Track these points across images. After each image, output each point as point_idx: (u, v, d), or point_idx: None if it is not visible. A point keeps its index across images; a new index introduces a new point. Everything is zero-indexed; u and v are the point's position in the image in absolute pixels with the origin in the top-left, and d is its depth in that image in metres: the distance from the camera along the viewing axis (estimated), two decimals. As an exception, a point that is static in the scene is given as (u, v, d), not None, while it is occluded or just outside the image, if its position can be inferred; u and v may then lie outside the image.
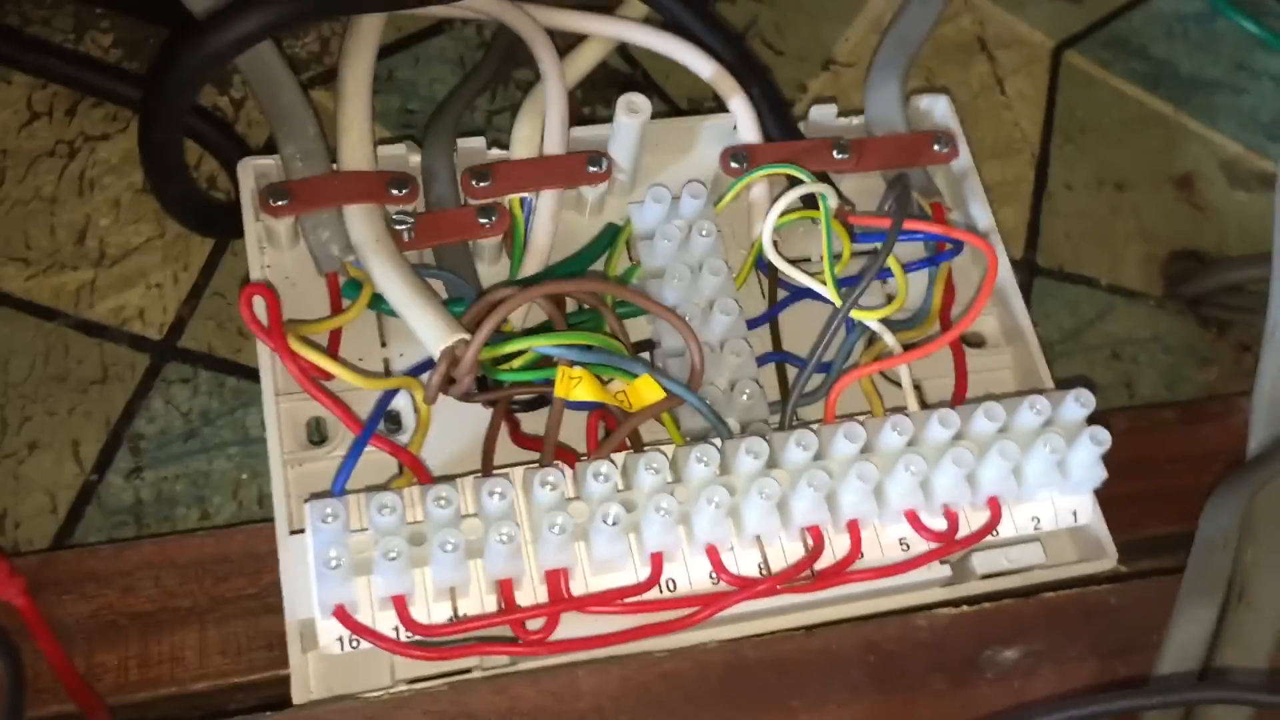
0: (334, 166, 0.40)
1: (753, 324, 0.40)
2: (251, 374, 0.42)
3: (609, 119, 0.41)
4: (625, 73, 0.50)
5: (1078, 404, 0.36)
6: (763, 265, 0.41)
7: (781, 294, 0.41)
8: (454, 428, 0.38)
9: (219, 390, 0.41)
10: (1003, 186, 0.50)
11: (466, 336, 0.36)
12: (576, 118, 0.43)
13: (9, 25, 0.46)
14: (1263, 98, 0.54)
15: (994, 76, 0.53)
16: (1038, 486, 0.36)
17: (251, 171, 0.40)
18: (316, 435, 0.38)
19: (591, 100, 0.49)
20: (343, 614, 0.33)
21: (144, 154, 0.39)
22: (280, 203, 0.38)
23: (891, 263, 0.40)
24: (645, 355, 0.39)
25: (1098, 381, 0.46)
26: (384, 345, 0.40)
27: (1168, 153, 0.52)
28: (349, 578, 0.32)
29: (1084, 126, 0.52)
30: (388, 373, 0.39)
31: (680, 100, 0.50)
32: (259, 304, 0.36)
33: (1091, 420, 0.36)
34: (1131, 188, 0.51)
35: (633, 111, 0.40)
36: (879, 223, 0.40)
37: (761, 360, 0.40)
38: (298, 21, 0.37)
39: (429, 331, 0.36)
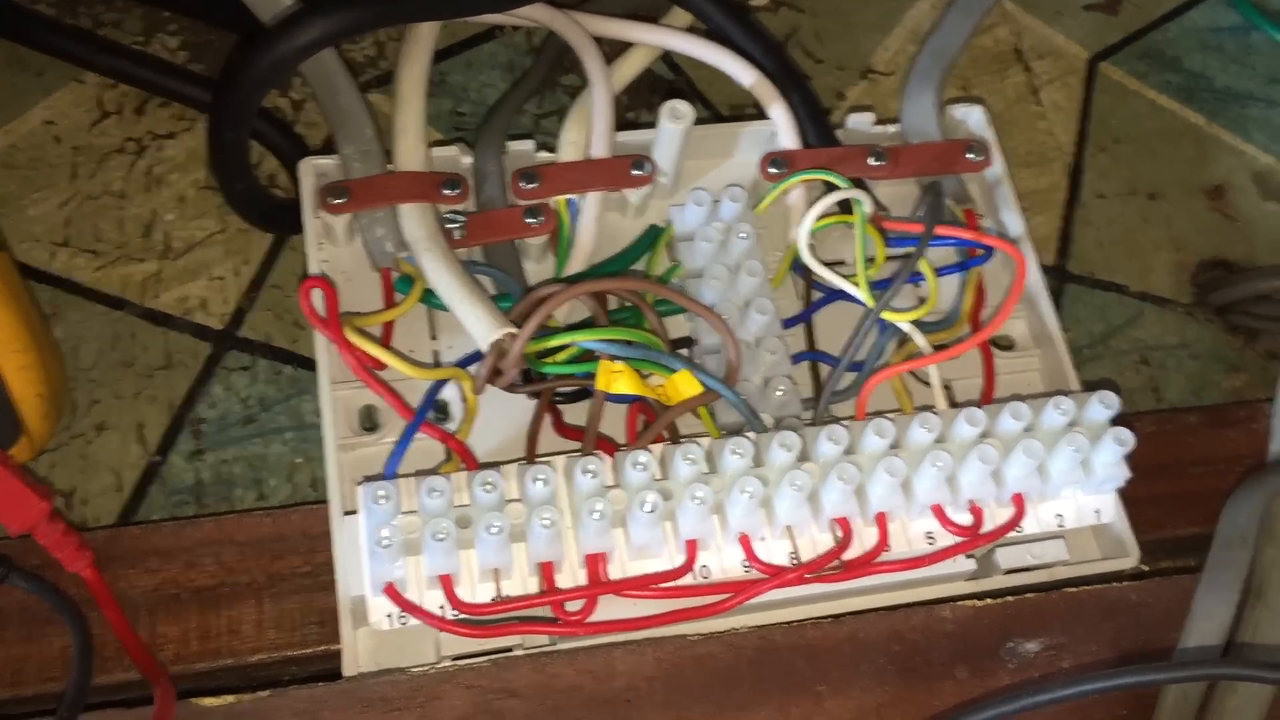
0: (389, 167, 0.42)
1: (788, 323, 0.42)
2: (306, 363, 0.43)
3: (652, 124, 0.43)
4: (668, 79, 0.52)
5: (1102, 405, 0.37)
6: (799, 267, 0.42)
7: (816, 295, 0.43)
8: (499, 417, 0.40)
9: (276, 378, 0.43)
10: (1036, 194, 0.51)
11: (514, 330, 0.37)
12: (622, 123, 0.44)
13: (81, 27, 0.48)
14: (1296, 110, 0.54)
15: (1030, 86, 0.54)
16: (1062, 485, 0.37)
17: (312, 170, 0.41)
18: (368, 422, 0.40)
19: (635, 105, 0.51)
20: (392, 592, 0.34)
21: (213, 153, 0.41)
22: (339, 200, 0.40)
23: (924, 267, 0.41)
24: (684, 351, 0.41)
25: (1126, 386, 0.47)
26: (434, 338, 0.41)
27: (1200, 164, 0.53)
28: (399, 557, 0.34)
29: (1118, 137, 0.53)
30: (437, 364, 0.41)
31: (721, 106, 0.51)
32: (317, 296, 0.38)
33: (1117, 422, 0.37)
34: (1163, 197, 0.52)
35: (676, 118, 0.42)
36: (912, 228, 0.42)
37: (795, 358, 0.41)
38: (360, 29, 0.39)
39: (478, 325, 0.38)
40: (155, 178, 0.46)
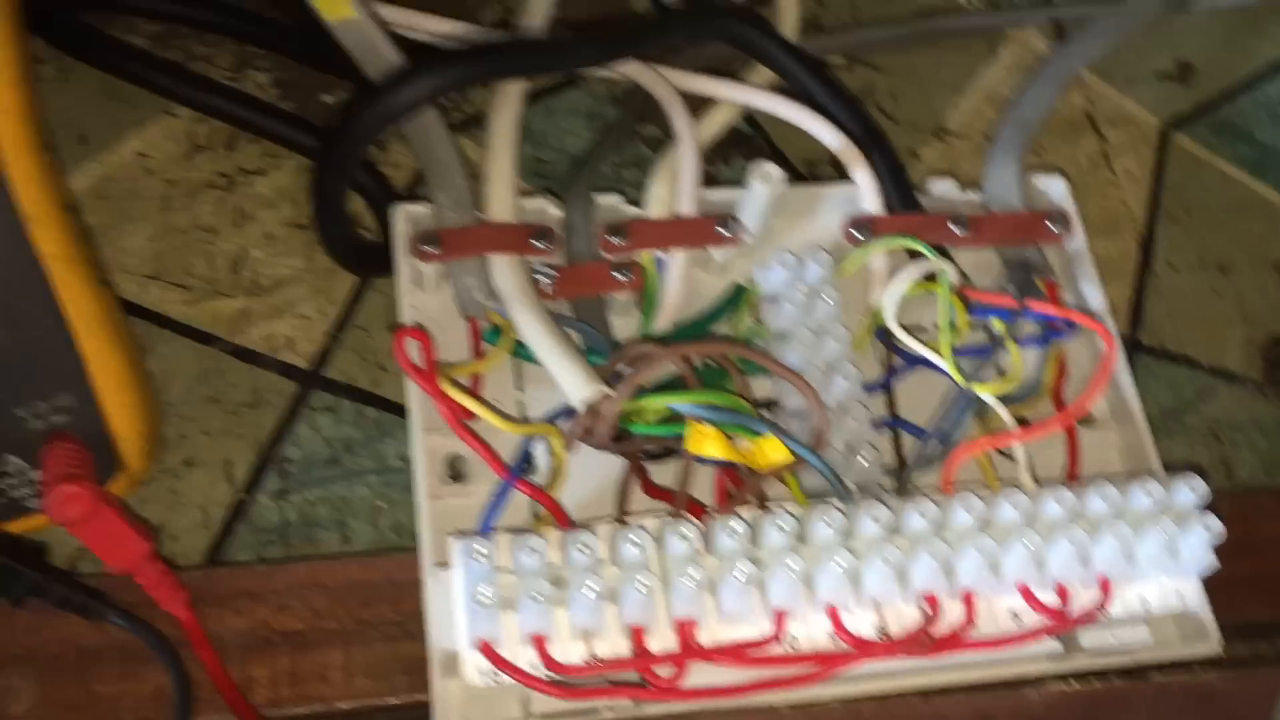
0: (480, 216, 0.42)
1: (870, 389, 0.42)
2: (389, 406, 0.44)
3: (730, 179, 0.43)
4: (745, 133, 0.52)
5: (1190, 492, 0.37)
6: (879, 332, 0.43)
7: (897, 362, 0.43)
8: (583, 471, 0.40)
9: (359, 420, 0.44)
10: (1108, 263, 0.51)
11: (609, 391, 0.38)
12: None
13: (174, 60, 0.49)
14: (1368, 189, 0.55)
15: (1102, 153, 0.55)
16: (1148, 569, 0.38)
17: (405, 217, 0.42)
18: (453, 471, 0.40)
19: (713, 160, 0.51)
20: (487, 648, 0.35)
21: (315, 199, 0.41)
22: (431, 249, 0.41)
23: (1009, 340, 0.42)
24: (765, 414, 0.41)
25: (1196, 462, 0.47)
26: (519, 389, 0.42)
27: (1271, 238, 0.53)
28: (495, 614, 0.34)
29: (1189, 207, 0.54)
30: (524, 417, 0.41)
31: (796, 162, 0.52)
32: (412, 346, 0.38)
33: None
34: (1234, 271, 0.52)
35: (765, 181, 0.42)
36: (998, 301, 0.42)
37: (876, 425, 0.41)
38: (466, 85, 0.40)
39: (573, 383, 0.38)
40: (244, 213, 0.46)
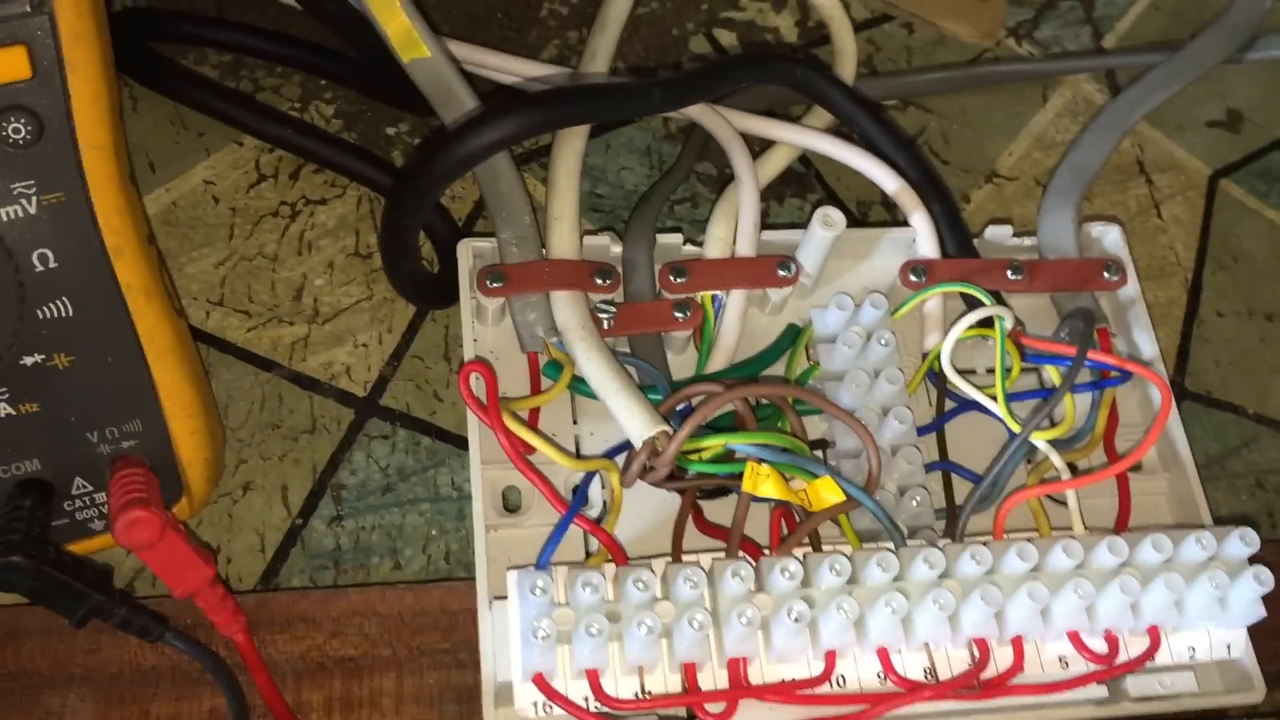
0: (543, 252, 0.43)
1: (921, 431, 0.42)
2: (444, 435, 0.45)
3: (783, 218, 0.44)
4: (799, 173, 0.53)
5: (1243, 542, 0.38)
6: (932, 375, 0.43)
7: (950, 404, 0.43)
8: (639, 507, 0.40)
9: (414, 448, 0.44)
10: (1155, 309, 0.52)
11: (667, 429, 0.38)
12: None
13: (242, 91, 0.50)
14: None
15: (1151, 200, 0.55)
16: (1197, 619, 0.38)
17: (470, 252, 0.43)
18: (509, 503, 0.41)
19: (765, 197, 0.52)
20: (540, 681, 0.35)
21: (385, 235, 0.42)
22: (496, 284, 0.41)
23: (1062, 387, 0.42)
24: (818, 454, 0.42)
25: (1241, 510, 0.47)
26: (575, 423, 0.43)
27: (1318, 288, 0.53)
28: (551, 648, 0.35)
29: (1236, 255, 0.54)
30: (578, 451, 0.42)
31: (849, 202, 0.52)
32: (476, 382, 0.39)
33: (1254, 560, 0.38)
34: (1282, 320, 0.52)
35: (828, 225, 0.43)
36: (1054, 348, 0.42)
37: (928, 468, 0.42)
38: (540, 131, 0.41)
39: (633, 421, 0.39)
40: (307, 242, 0.47)
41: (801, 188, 0.52)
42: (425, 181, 0.39)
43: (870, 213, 0.52)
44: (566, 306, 0.42)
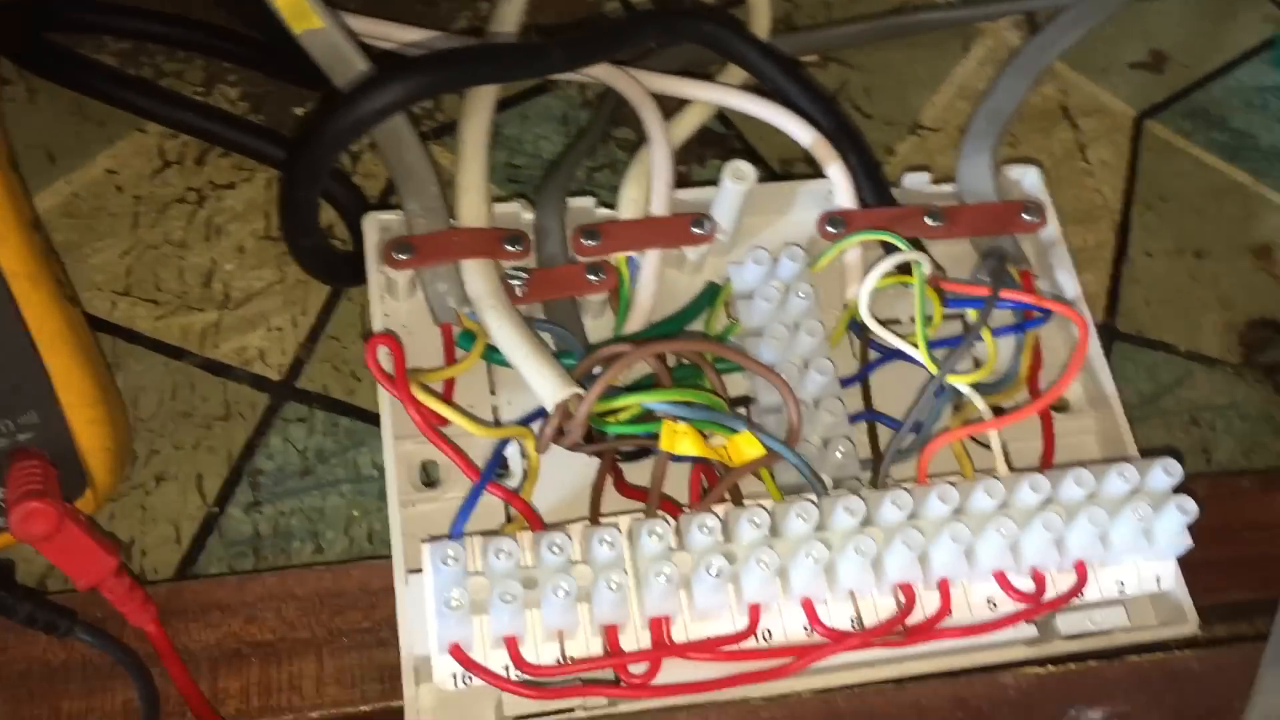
0: (452, 222, 0.42)
1: (844, 383, 0.42)
2: (363, 415, 0.44)
3: (705, 179, 0.43)
4: (721, 134, 0.52)
5: (1165, 473, 0.37)
6: (855, 326, 0.43)
7: (872, 355, 0.43)
8: (558, 474, 0.40)
9: (333, 430, 0.43)
10: (1084, 252, 0.52)
11: (580, 391, 0.38)
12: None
13: (144, 78, 0.49)
14: (1343, 171, 0.55)
15: (1077, 144, 0.55)
16: (1124, 552, 0.37)
17: (376, 225, 0.42)
18: (427, 477, 0.40)
19: (688, 160, 0.51)
20: (457, 652, 0.34)
21: (284, 209, 0.41)
22: (403, 256, 0.41)
23: (983, 329, 0.42)
24: (741, 410, 0.41)
25: (1175, 447, 0.47)
26: (493, 393, 0.42)
27: (1247, 222, 0.53)
28: (466, 618, 0.34)
29: (1164, 195, 0.54)
30: (497, 421, 0.41)
31: (772, 161, 0.52)
32: (384, 354, 0.38)
33: (1179, 490, 0.38)
34: (1210, 256, 0.52)
35: (738, 178, 0.42)
36: (972, 290, 0.42)
37: (852, 419, 0.41)
38: (433, 93, 0.40)
39: (544, 385, 0.38)
40: (215, 227, 0.46)
41: (723, 148, 0.52)
42: (316, 150, 0.38)
43: (795, 171, 0.51)
44: (476, 275, 0.41)
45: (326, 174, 0.40)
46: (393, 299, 0.42)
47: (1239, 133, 0.56)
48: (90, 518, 0.37)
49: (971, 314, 0.43)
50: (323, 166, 0.39)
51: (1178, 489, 0.37)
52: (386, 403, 0.39)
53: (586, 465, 0.40)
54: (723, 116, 0.52)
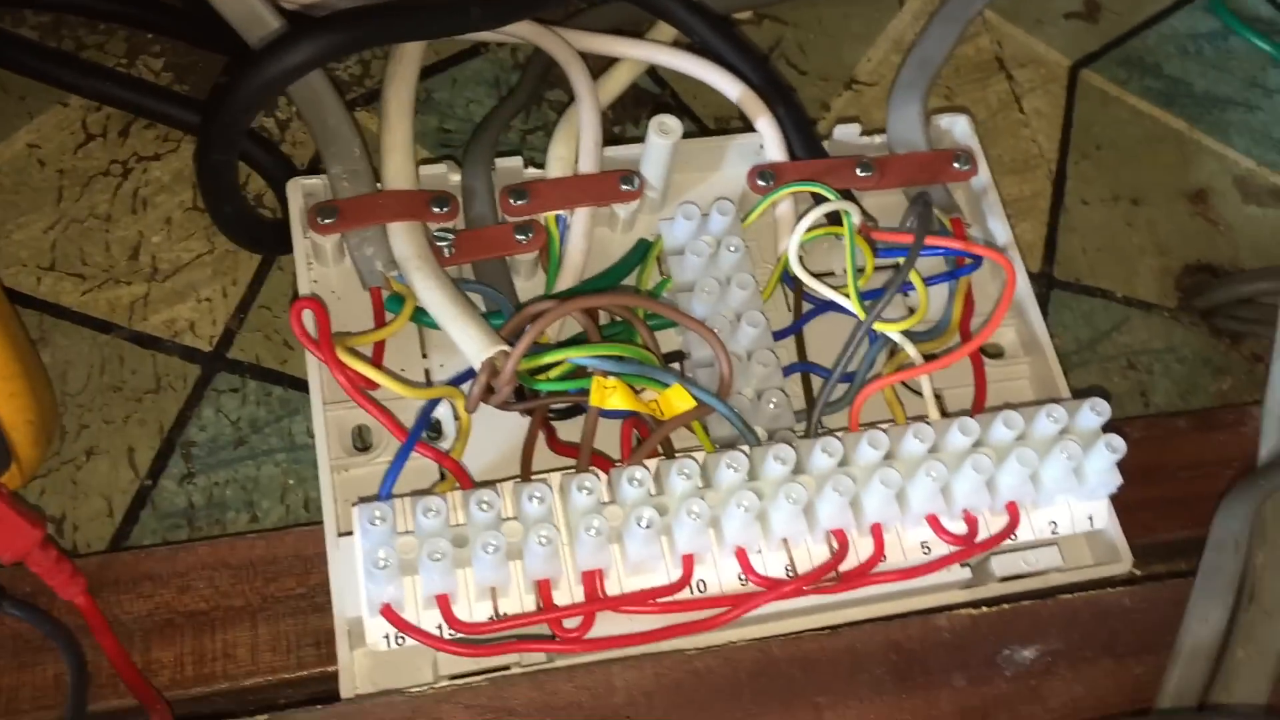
0: (378, 186, 0.42)
1: (779, 335, 0.42)
2: (297, 384, 0.43)
3: (640, 138, 0.43)
4: (654, 93, 0.52)
5: (1093, 412, 0.37)
6: (789, 279, 0.43)
7: (806, 307, 0.43)
8: (493, 435, 0.39)
9: (266, 399, 0.43)
10: (1021, 202, 0.52)
11: (506, 348, 0.37)
12: (608, 138, 0.44)
13: (65, 50, 0.48)
14: (1275, 114, 0.55)
15: (1012, 95, 0.54)
16: (1055, 492, 0.38)
17: (300, 190, 0.41)
18: (360, 442, 0.40)
19: (622, 120, 0.51)
20: (389, 612, 0.34)
21: (201, 175, 0.40)
22: (328, 221, 0.40)
23: (913, 277, 0.42)
24: (675, 366, 0.41)
25: (1114, 391, 0.47)
26: (425, 356, 0.41)
27: (1182, 168, 0.53)
28: (395, 578, 0.34)
29: (1100, 143, 0.54)
30: (429, 383, 0.41)
31: (707, 119, 0.52)
32: (308, 317, 0.38)
33: (1107, 428, 0.38)
34: (1146, 203, 0.52)
35: (664, 132, 0.42)
36: (901, 238, 0.42)
37: (787, 370, 0.41)
38: (347, 51, 0.39)
39: (470, 344, 0.38)
40: (141, 200, 0.46)
41: (657, 107, 0.51)
42: (229, 112, 0.37)
43: (730, 129, 0.51)
44: (403, 237, 0.40)
45: (241, 136, 0.39)
46: (321, 265, 0.42)
47: (1173, 80, 0.56)
48: (14, 492, 0.36)
49: (902, 263, 0.43)
50: (237, 129, 0.38)
51: (1108, 428, 0.38)
52: (314, 368, 0.39)
53: (521, 425, 0.40)
54: (657, 76, 0.52)
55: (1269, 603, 0.36)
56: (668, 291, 0.42)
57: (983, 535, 0.37)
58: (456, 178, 0.43)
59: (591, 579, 0.35)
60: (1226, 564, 0.37)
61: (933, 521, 0.37)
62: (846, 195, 0.43)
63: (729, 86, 0.45)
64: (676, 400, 0.38)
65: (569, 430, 0.40)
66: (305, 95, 0.42)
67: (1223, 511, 0.39)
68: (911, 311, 0.43)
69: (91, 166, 0.46)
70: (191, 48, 0.49)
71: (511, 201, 0.42)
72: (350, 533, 0.36)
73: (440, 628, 0.35)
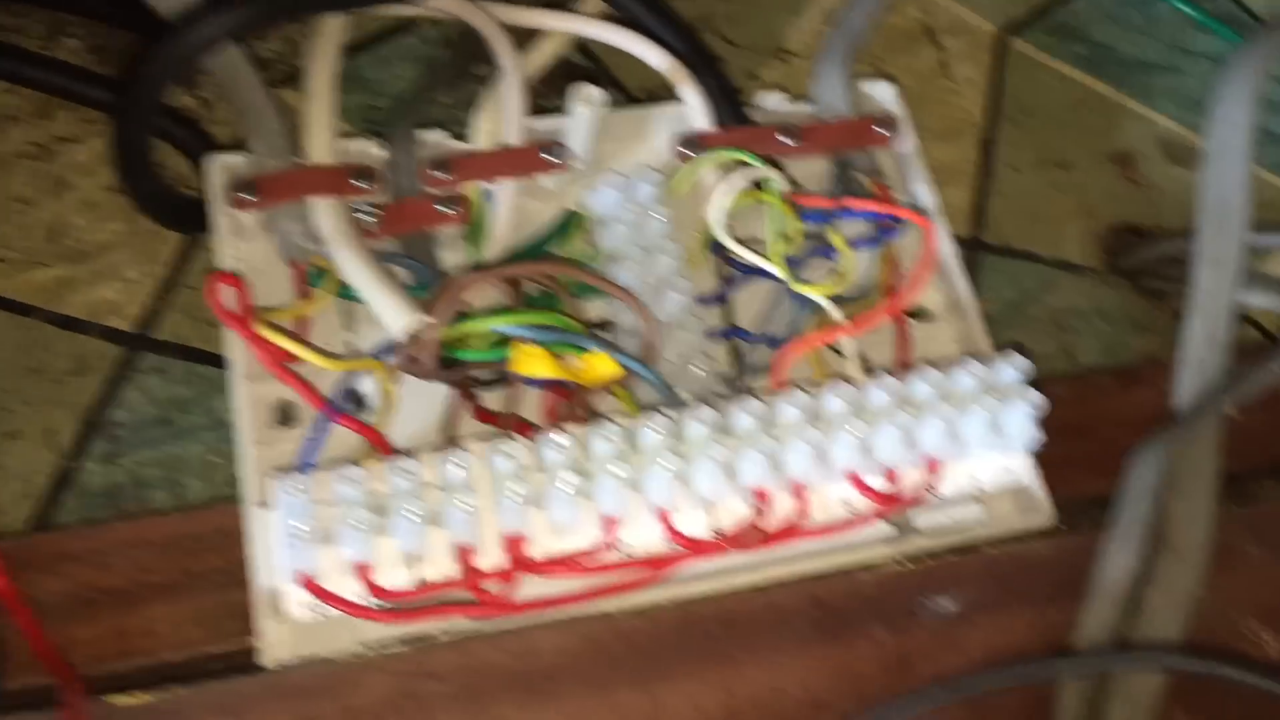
0: (299, 161, 0.41)
1: (707, 302, 0.42)
2: (221, 362, 0.43)
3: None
4: (583, 66, 0.52)
5: (1011, 367, 0.38)
6: (716, 247, 0.43)
7: (732, 273, 0.43)
8: (418, 406, 0.39)
9: (191, 378, 0.43)
10: (950, 168, 0.52)
11: (428, 318, 0.37)
12: (539, 112, 0.44)
13: (-21, 33, 0.47)
14: (1199, 77, 0.56)
15: (941, 63, 0.55)
16: (975, 447, 0.38)
17: (220, 167, 0.41)
18: (285, 418, 0.40)
19: (550, 92, 0.50)
20: (309, 583, 0.34)
21: (117, 153, 0.40)
22: (248, 197, 0.40)
23: (838, 241, 0.42)
24: (601, 333, 0.41)
25: (1042, 351, 0.48)
26: (350, 331, 0.41)
27: (1108, 132, 0.54)
28: (315, 547, 0.34)
29: (1028, 109, 0.54)
30: (352, 356, 0.41)
31: (636, 91, 0.51)
32: (227, 292, 0.38)
33: (1034, 387, 0.38)
34: (1074, 167, 0.53)
35: (587, 102, 0.42)
36: (824, 203, 0.42)
37: (712, 335, 0.41)
38: (260, 25, 0.39)
39: (391, 314, 0.38)
40: (62, 182, 0.45)
41: (587, 80, 0.51)
42: (141, 85, 0.37)
43: (659, 100, 0.51)
44: (324, 212, 0.40)
45: (155, 111, 0.39)
46: (243, 242, 0.41)
47: (1100, 45, 0.56)
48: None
49: (830, 231, 0.43)
50: (150, 103, 0.38)
51: (1034, 386, 0.38)
52: (234, 343, 0.39)
53: (446, 397, 0.39)
54: (586, 49, 0.52)
55: (1181, 547, 0.36)
56: (594, 261, 0.42)
57: (904, 492, 0.37)
58: (379, 152, 0.43)
59: (514, 543, 0.35)
60: (1139, 511, 0.37)
61: (854, 479, 0.37)
62: (771, 162, 0.43)
63: (653, 56, 0.45)
64: (601, 367, 0.38)
65: (496, 400, 0.40)
66: (224, 71, 0.41)
67: (1137, 461, 0.39)
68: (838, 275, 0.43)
69: (10, 149, 0.45)
70: (111, 28, 0.48)
71: (434, 174, 0.42)
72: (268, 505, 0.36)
73: (362, 596, 0.34)
